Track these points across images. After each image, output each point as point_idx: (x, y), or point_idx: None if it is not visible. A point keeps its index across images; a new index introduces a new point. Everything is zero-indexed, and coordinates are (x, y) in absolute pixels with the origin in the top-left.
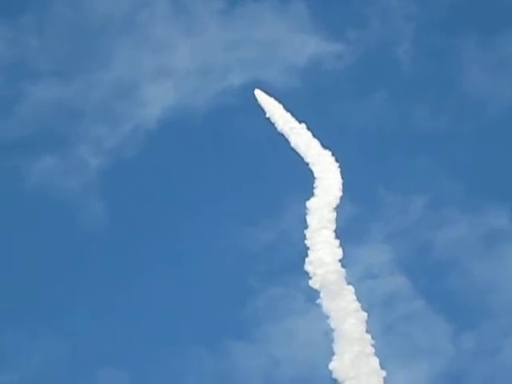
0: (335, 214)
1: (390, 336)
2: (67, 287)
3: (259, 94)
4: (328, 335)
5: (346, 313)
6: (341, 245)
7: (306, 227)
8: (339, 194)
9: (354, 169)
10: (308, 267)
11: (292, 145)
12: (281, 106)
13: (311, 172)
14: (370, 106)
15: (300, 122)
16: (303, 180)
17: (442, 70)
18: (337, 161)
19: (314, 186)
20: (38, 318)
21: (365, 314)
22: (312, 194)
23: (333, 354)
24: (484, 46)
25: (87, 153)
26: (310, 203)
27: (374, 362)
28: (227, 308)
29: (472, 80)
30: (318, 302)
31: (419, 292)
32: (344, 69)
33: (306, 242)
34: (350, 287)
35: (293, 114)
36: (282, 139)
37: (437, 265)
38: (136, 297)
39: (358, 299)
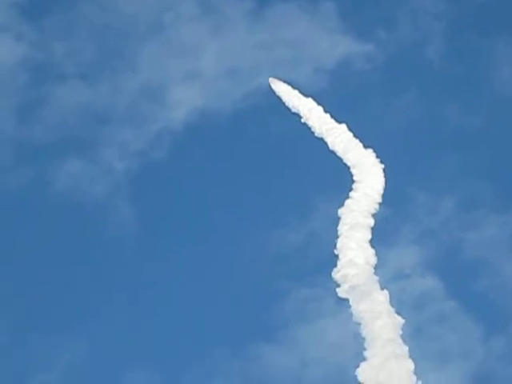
0: (373, 220)
1: (420, 338)
2: (96, 292)
3: (273, 82)
4: (357, 337)
5: (376, 315)
6: (376, 252)
7: (338, 230)
8: (379, 199)
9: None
10: (336, 275)
11: (330, 147)
12: (320, 108)
13: (349, 174)
14: (401, 107)
15: (339, 122)
16: (335, 181)
17: (473, 70)
18: (381, 162)
19: (352, 188)
20: (65, 322)
21: (397, 316)
22: (346, 196)
23: (362, 355)
24: None
25: (114, 156)
26: (345, 206)
27: (406, 364)
28: (256, 310)
29: (503, 79)
30: (350, 310)
31: (450, 293)
32: (374, 69)
33: (336, 246)
34: (384, 291)
35: (331, 115)
36: (313, 139)
37: (467, 265)
38: (164, 300)
39: (390, 301)
